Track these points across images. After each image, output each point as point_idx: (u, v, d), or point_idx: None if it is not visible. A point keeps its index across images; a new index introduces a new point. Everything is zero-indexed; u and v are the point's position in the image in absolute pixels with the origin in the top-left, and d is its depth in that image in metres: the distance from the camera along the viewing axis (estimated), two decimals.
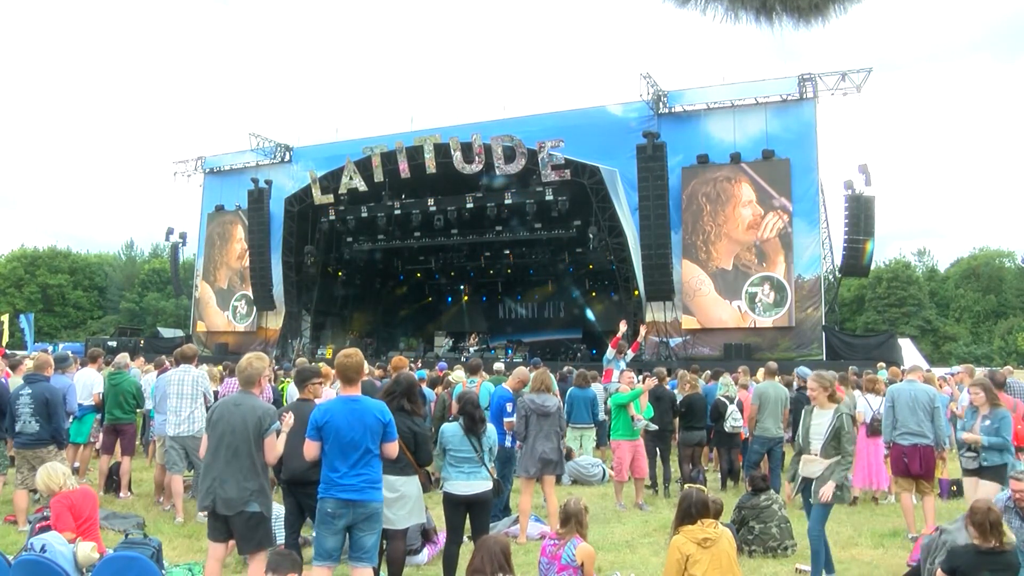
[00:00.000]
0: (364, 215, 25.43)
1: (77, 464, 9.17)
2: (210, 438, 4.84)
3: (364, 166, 24.48)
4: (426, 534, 6.40)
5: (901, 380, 8.93)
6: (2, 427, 7.39)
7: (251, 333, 28.22)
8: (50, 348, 26.22)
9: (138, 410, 9.32)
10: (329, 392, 7.63)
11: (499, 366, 13.06)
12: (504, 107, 38.90)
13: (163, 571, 5.27)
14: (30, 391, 7.20)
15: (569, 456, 10.08)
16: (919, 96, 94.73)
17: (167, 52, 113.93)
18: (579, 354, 24.62)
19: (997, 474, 6.34)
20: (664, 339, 21.22)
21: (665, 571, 4.53)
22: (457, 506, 5.68)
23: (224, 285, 29.23)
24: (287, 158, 28.45)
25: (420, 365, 16.93)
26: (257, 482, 4.69)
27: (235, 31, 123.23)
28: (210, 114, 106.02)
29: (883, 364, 14.79)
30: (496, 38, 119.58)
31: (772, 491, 6.97)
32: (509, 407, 7.76)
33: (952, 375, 13.67)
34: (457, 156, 22.85)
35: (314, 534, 4.78)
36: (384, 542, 5.45)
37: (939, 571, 4.55)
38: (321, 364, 8.91)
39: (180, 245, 30.85)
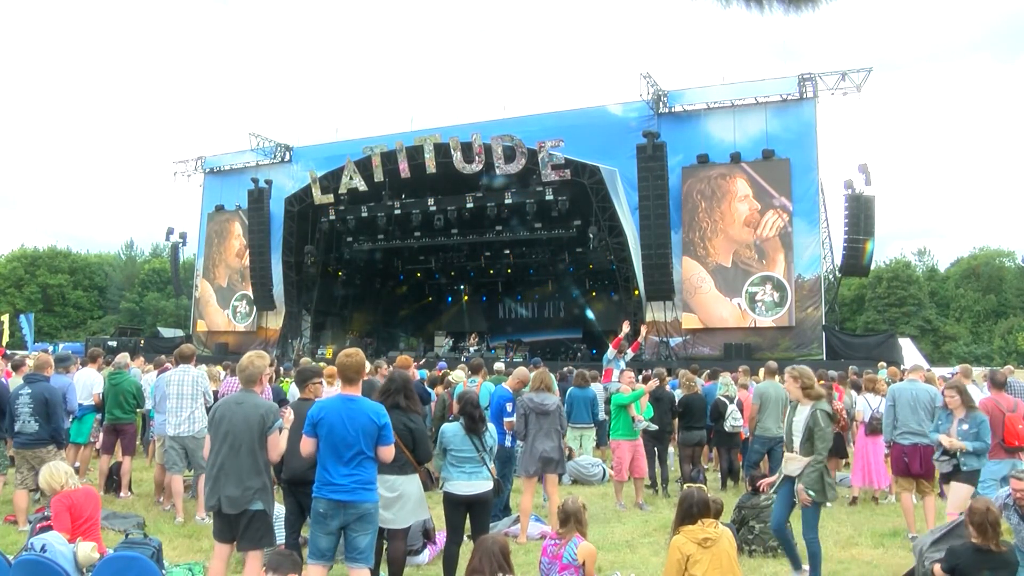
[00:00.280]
0: (364, 215, 25.44)
1: (77, 464, 9.17)
2: (213, 437, 4.84)
3: (364, 166, 24.49)
4: (427, 534, 6.40)
5: (901, 380, 8.94)
6: (2, 427, 7.39)
7: (251, 333, 28.23)
8: (50, 348, 26.27)
9: (138, 410, 9.32)
10: (330, 392, 7.63)
11: (499, 366, 13.06)
12: (504, 107, 38.95)
13: (163, 571, 5.27)
14: (29, 391, 7.20)
15: (569, 456, 10.08)
16: (919, 96, 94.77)
17: (167, 52, 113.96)
18: (579, 354, 24.63)
19: (971, 478, 6.30)
20: (664, 339, 21.22)
21: (665, 571, 4.52)
22: (457, 506, 5.68)
23: (224, 283, 29.24)
24: (287, 158, 28.47)
25: (420, 365, 16.93)
26: (260, 480, 4.69)
27: (235, 31, 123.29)
28: (210, 114, 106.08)
29: (883, 364, 14.79)
30: (496, 38, 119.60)
31: (772, 491, 6.96)
32: (509, 407, 7.75)
33: (953, 375, 13.65)
34: (457, 156, 22.85)
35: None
36: (385, 542, 5.45)
37: (937, 568, 4.56)
38: (321, 364, 8.91)
39: (180, 245, 30.86)
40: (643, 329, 15.69)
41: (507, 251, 27.21)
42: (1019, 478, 5.20)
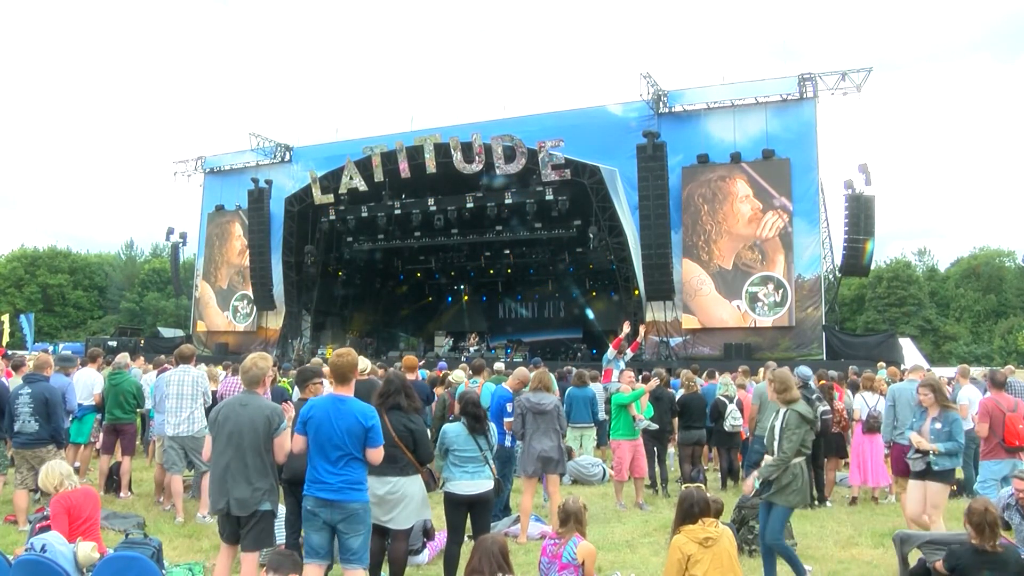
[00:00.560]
0: (364, 215, 25.44)
1: (77, 464, 9.17)
2: (216, 439, 4.82)
3: (364, 166, 24.49)
4: (427, 533, 6.40)
5: (901, 380, 8.94)
6: (1, 427, 7.39)
7: (251, 333, 28.24)
8: (50, 348, 26.29)
9: (138, 410, 9.32)
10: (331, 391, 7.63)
11: (499, 366, 13.06)
12: (504, 107, 38.91)
13: (163, 571, 5.27)
14: (29, 391, 7.19)
15: (569, 456, 10.08)
16: (919, 96, 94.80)
17: (167, 52, 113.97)
18: (579, 354, 24.63)
19: (945, 478, 6.23)
20: (664, 339, 21.22)
21: (666, 570, 4.52)
22: (459, 506, 5.68)
23: (224, 285, 29.24)
24: (287, 158, 28.46)
25: (421, 365, 16.91)
26: (268, 481, 4.70)
27: (235, 31, 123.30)
28: (210, 114, 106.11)
29: (882, 364, 14.79)
30: (496, 38, 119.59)
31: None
32: (509, 407, 7.75)
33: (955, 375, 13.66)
34: (457, 156, 22.85)
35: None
36: (386, 541, 5.45)
37: (939, 564, 4.55)
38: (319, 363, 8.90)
39: (180, 245, 30.85)
40: (642, 329, 15.69)
41: (507, 251, 27.21)
42: (1021, 478, 5.21)
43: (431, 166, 23.21)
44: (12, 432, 7.21)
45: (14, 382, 8.18)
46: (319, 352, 24.92)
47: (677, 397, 10.14)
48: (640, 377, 10.38)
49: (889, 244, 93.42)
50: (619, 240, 22.15)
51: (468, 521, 5.77)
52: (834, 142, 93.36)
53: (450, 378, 11.38)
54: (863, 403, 8.99)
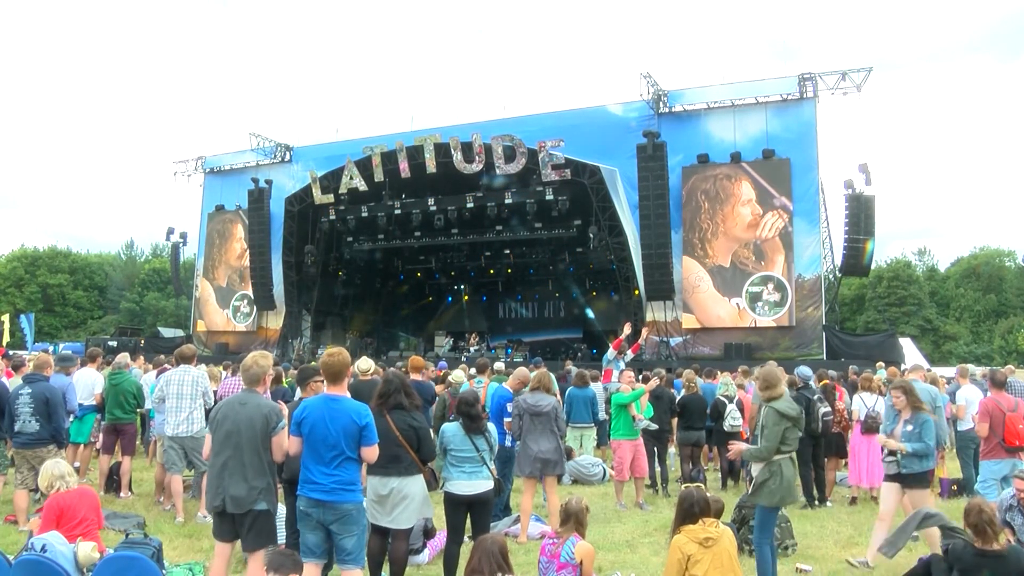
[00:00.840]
0: (364, 215, 25.43)
1: (77, 464, 9.18)
2: (215, 437, 4.83)
3: (364, 166, 24.48)
4: (427, 533, 6.40)
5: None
6: (1, 427, 7.39)
7: (251, 333, 28.23)
8: (50, 348, 26.30)
9: (138, 410, 9.32)
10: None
11: (499, 366, 13.05)
12: (504, 107, 38.99)
13: (163, 571, 5.27)
14: (30, 391, 7.20)
15: (569, 456, 10.08)
16: (919, 96, 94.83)
17: (167, 52, 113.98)
18: (579, 354, 24.62)
19: (921, 481, 6.21)
20: (664, 339, 21.22)
21: (666, 570, 4.52)
22: (458, 506, 5.68)
23: (224, 283, 29.24)
24: (287, 158, 28.45)
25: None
26: (265, 480, 4.70)
27: (235, 31, 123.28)
28: (210, 114, 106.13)
29: (881, 364, 14.79)
30: (496, 38, 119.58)
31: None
32: (509, 407, 7.75)
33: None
34: (457, 156, 22.84)
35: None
36: (387, 541, 5.45)
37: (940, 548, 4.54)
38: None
39: (180, 245, 30.84)
40: (644, 331, 15.67)
41: (507, 251, 27.19)
42: (1021, 477, 5.20)
43: (431, 166, 23.20)
44: (13, 432, 7.22)
45: (14, 382, 8.19)
46: (319, 352, 24.93)
47: (678, 397, 10.14)
48: (640, 377, 10.38)
49: (889, 244, 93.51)
50: (619, 240, 22.14)
51: (468, 521, 5.77)
52: (834, 142, 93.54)
53: (450, 378, 11.38)
54: (861, 403, 8.99)
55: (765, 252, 20.43)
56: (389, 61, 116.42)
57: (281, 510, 5.70)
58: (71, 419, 8.27)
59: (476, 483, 5.65)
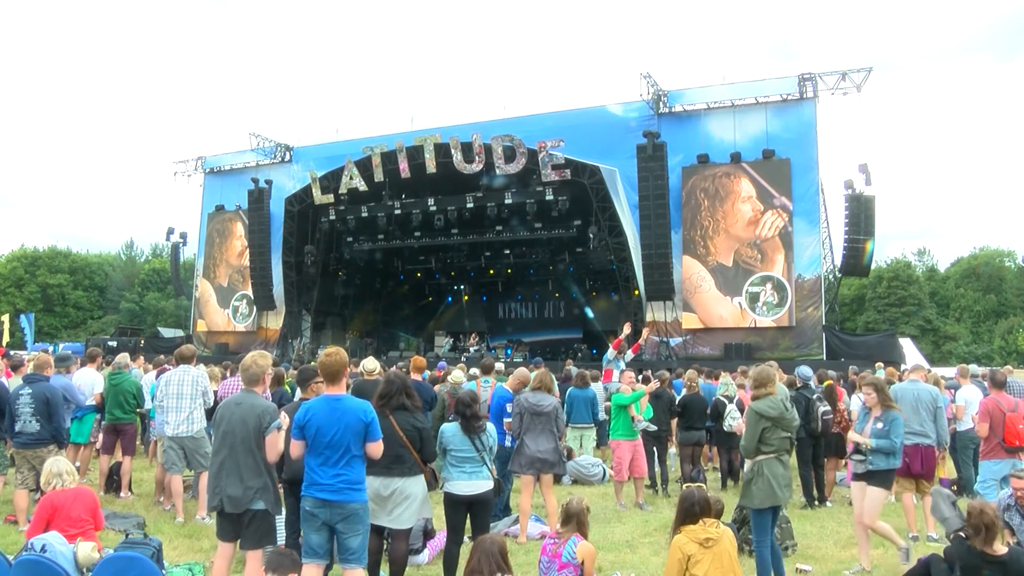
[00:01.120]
0: (364, 215, 25.43)
1: (78, 464, 9.17)
2: (214, 437, 4.89)
3: (364, 166, 24.48)
4: (427, 533, 6.40)
5: (901, 380, 8.93)
6: (1, 427, 7.39)
7: (251, 333, 28.24)
8: (50, 348, 26.28)
9: (138, 410, 9.32)
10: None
11: (499, 366, 13.04)
12: (504, 107, 38.89)
13: (163, 571, 5.26)
14: (30, 391, 7.20)
15: (569, 456, 10.08)
16: (919, 96, 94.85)
17: (167, 52, 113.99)
18: (579, 354, 24.62)
19: (884, 480, 6.13)
20: (664, 339, 21.22)
21: (666, 570, 4.52)
22: (458, 506, 5.68)
23: (224, 283, 29.24)
24: (287, 158, 28.46)
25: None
26: (261, 480, 4.70)
27: (235, 31, 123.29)
28: (210, 114, 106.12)
29: (881, 364, 14.78)
30: (496, 38, 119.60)
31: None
32: (509, 407, 7.74)
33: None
34: (457, 156, 22.84)
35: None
36: (387, 541, 5.45)
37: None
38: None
39: (180, 245, 30.86)
40: (644, 332, 15.66)
41: (507, 251, 27.18)
42: (1020, 477, 5.20)
43: (431, 166, 23.20)
44: (13, 432, 7.22)
45: (14, 382, 8.19)
46: (319, 352, 24.91)
47: (678, 398, 10.13)
48: (640, 377, 10.38)
49: (889, 244, 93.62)
50: (619, 240, 22.14)
51: (468, 521, 5.77)
52: (834, 142, 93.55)
53: (449, 378, 11.38)
54: (859, 403, 8.98)
55: (766, 251, 20.43)
56: (389, 61, 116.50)
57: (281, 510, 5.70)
58: (71, 411, 8.27)
59: (476, 483, 5.65)
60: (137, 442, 10.10)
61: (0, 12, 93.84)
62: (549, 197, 22.41)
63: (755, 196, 20.64)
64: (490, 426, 6.03)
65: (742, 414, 9.84)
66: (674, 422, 10.00)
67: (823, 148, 20.94)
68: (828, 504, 8.86)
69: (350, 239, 27.13)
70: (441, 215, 24.46)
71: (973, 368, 10.76)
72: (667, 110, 22.00)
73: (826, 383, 9.62)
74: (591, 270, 27.28)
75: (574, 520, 4.71)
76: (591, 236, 22.85)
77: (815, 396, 8.85)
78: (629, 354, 12.96)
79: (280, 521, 5.59)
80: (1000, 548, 4.37)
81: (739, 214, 20.79)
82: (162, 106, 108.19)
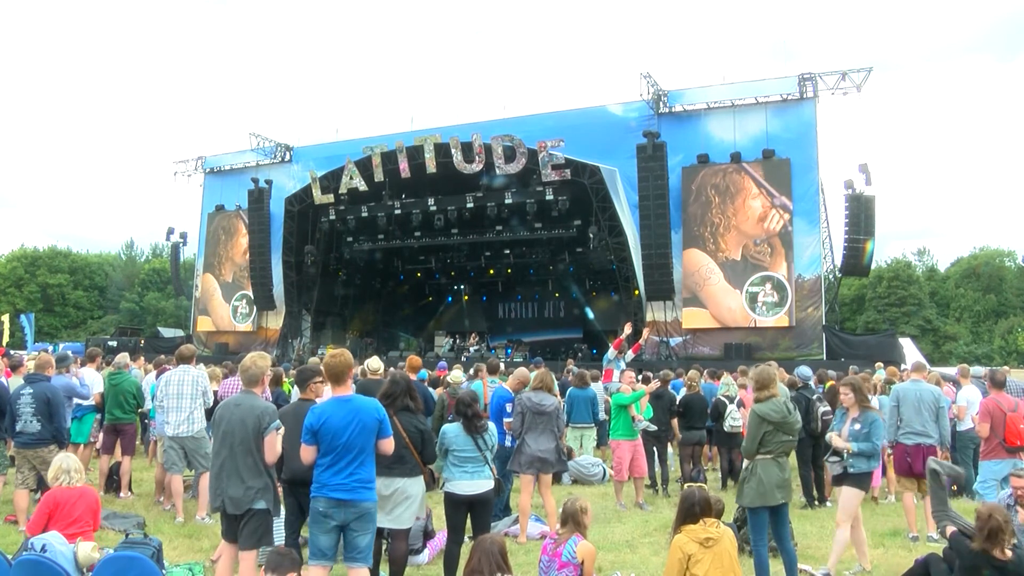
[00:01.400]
0: (364, 215, 25.45)
1: None
2: (214, 439, 4.89)
3: (364, 166, 24.49)
4: (427, 533, 6.40)
5: (901, 380, 8.92)
6: (2, 427, 7.39)
7: (251, 333, 28.25)
8: (50, 348, 26.27)
9: (138, 410, 9.32)
10: (330, 392, 7.62)
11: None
12: (504, 107, 38.90)
13: (163, 571, 5.26)
14: (31, 391, 7.20)
15: (569, 456, 10.07)
16: (919, 96, 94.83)
17: (167, 52, 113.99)
18: (580, 354, 24.63)
19: (860, 481, 6.02)
20: (664, 339, 21.22)
21: (666, 570, 4.52)
22: (459, 506, 5.68)
23: (229, 279, 29.23)
24: (287, 158, 28.47)
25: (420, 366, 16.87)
26: (262, 480, 4.71)
27: (234, 31, 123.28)
28: (210, 114, 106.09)
29: (881, 364, 14.78)
30: (496, 38, 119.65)
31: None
32: (509, 407, 7.74)
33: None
34: (457, 156, 22.85)
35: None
36: (385, 541, 5.45)
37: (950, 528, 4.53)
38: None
39: (180, 245, 30.87)
40: (645, 332, 15.66)
41: (507, 251, 27.20)
42: (1019, 475, 5.19)
43: (431, 166, 23.21)
44: (14, 432, 7.22)
45: (13, 382, 8.19)
46: (319, 352, 24.92)
47: (679, 398, 10.13)
48: (640, 377, 10.37)
49: (889, 244, 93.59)
50: (619, 240, 22.15)
51: (468, 521, 5.77)
52: (834, 142, 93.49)
53: (449, 378, 11.38)
54: None
55: (775, 246, 20.43)
56: (389, 61, 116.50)
57: (281, 510, 5.70)
58: (71, 409, 8.30)
59: (478, 483, 5.65)
60: (137, 442, 10.09)
61: (0, 12, 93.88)
62: (549, 197, 22.43)
63: (763, 192, 20.66)
64: (491, 426, 6.04)
65: (743, 408, 9.85)
66: (675, 422, 9.99)
67: (823, 148, 21.00)
68: (828, 504, 8.84)
69: (350, 239, 27.13)
70: (441, 215, 24.47)
71: (975, 369, 10.76)
72: (667, 110, 22.01)
73: (828, 384, 9.61)
74: (591, 270, 27.30)
75: (572, 520, 4.70)
76: (591, 236, 22.86)
77: (815, 396, 8.85)
78: (629, 354, 12.96)
79: (280, 521, 5.59)
80: (1006, 553, 4.30)
81: (750, 210, 20.79)
82: (162, 106, 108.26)
